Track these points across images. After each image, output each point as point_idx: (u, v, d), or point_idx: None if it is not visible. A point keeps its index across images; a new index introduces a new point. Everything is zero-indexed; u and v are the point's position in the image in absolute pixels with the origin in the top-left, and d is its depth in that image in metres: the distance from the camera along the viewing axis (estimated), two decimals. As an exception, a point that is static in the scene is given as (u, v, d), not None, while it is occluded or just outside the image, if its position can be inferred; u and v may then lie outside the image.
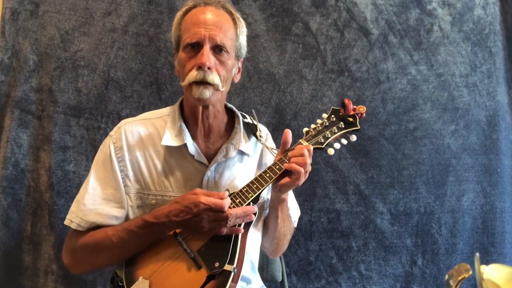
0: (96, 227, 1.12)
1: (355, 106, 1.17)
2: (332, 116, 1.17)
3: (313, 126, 1.16)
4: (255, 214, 1.07)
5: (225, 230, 1.04)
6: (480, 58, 1.94)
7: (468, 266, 0.66)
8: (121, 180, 1.13)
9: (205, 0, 1.15)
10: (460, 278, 0.66)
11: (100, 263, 1.13)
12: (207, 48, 1.08)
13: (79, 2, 1.75)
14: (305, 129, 1.16)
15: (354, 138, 1.16)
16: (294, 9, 1.86)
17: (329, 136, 1.14)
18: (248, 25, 1.77)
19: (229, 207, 1.03)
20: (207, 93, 1.08)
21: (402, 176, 1.86)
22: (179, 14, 1.17)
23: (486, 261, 0.77)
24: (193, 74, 1.07)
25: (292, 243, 1.75)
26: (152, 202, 1.13)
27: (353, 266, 1.83)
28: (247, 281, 1.20)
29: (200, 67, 1.07)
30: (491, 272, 0.67)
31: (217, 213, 1.00)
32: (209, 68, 1.07)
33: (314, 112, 1.83)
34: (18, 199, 1.69)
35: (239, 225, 1.05)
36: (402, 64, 1.90)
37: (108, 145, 1.16)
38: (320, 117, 1.18)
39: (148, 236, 1.06)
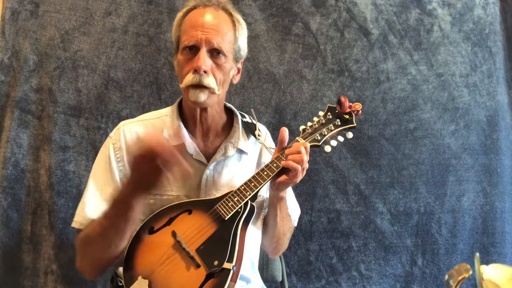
0: None
1: (351, 104, 1.18)
2: (329, 113, 1.17)
3: (309, 124, 1.17)
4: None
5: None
6: (480, 58, 1.94)
7: (468, 266, 0.66)
8: (119, 181, 1.14)
9: (205, 1, 1.15)
10: (460, 278, 0.66)
11: (95, 256, 1.07)
12: (203, 51, 1.08)
13: (79, 2, 1.75)
14: (302, 127, 1.17)
15: (350, 135, 1.17)
16: (294, 9, 1.86)
17: (326, 133, 1.14)
18: (248, 25, 1.76)
19: None
20: (203, 96, 1.09)
21: (402, 176, 1.86)
22: (179, 15, 1.17)
23: (486, 261, 0.77)
24: (190, 78, 1.08)
25: (292, 243, 1.76)
26: (150, 202, 1.13)
27: (353, 266, 1.83)
28: (247, 280, 1.20)
29: (196, 71, 1.07)
30: (491, 272, 0.67)
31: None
32: (205, 72, 1.08)
33: (314, 112, 1.82)
34: (18, 199, 1.69)
35: None
36: (402, 64, 1.90)
37: (108, 146, 1.16)
38: (317, 115, 1.19)
39: (118, 216, 0.99)
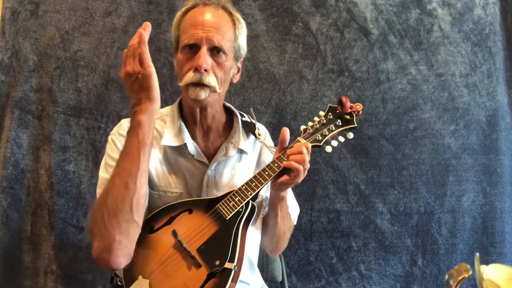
0: None
1: (352, 104, 1.18)
2: (329, 113, 1.17)
3: (310, 124, 1.17)
4: None
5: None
6: (480, 58, 1.94)
7: (468, 266, 0.66)
8: None
9: (204, 0, 1.15)
10: (460, 278, 0.66)
11: (113, 207, 0.93)
12: (204, 50, 1.08)
13: (79, 2, 1.75)
14: (303, 127, 1.16)
15: (351, 135, 1.17)
16: (294, 9, 1.86)
17: (327, 133, 1.14)
18: (248, 25, 1.77)
19: None
20: (203, 94, 1.09)
21: (402, 176, 1.86)
22: (178, 14, 1.17)
23: (486, 261, 0.77)
24: (190, 76, 1.08)
25: (292, 243, 1.76)
26: (155, 197, 1.14)
27: (353, 266, 1.83)
28: (246, 283, 1.19)
29: (196, 69, 1.07)
30: (491, 272, 0.67)
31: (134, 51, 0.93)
32: (205, 70, 1.07)
33: (314, 112, 1.82)
34: (18, 199, 1.69)
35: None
36: (402, 64, 1.90)
37: (112, 139, 1.15)
38: (318, 115, 1.19)
39: (130, 144, 0.94)
